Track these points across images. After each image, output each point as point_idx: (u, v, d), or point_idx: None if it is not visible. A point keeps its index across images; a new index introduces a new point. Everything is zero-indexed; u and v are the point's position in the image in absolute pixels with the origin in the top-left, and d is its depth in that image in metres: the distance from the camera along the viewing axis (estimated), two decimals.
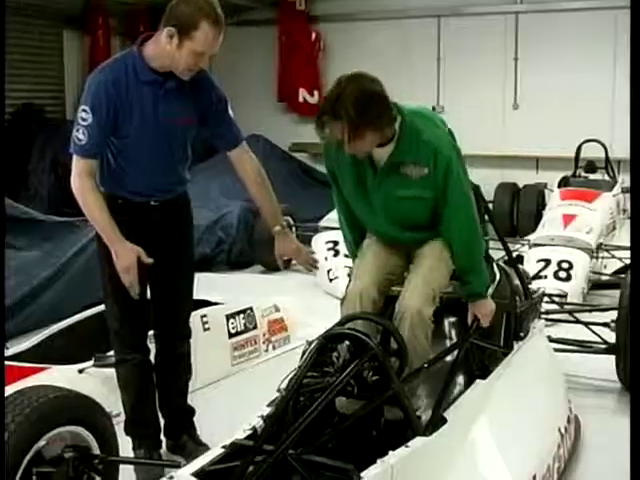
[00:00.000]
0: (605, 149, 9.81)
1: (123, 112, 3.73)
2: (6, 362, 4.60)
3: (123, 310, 4.01)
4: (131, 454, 4.09)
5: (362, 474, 2.82)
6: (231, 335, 5.83)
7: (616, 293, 5.58)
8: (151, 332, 4.23)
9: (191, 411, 4.40)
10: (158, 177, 3.94)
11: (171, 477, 2.80)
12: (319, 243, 8.60)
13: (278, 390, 3.28)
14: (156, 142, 3.84)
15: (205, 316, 5.54)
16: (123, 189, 3.92)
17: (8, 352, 5.02)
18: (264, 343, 6.14)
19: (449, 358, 3.72)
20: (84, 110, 3.69)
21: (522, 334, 4.28)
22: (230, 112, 4.01)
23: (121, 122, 3.75)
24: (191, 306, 4.37)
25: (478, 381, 3.69)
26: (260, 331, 6.11)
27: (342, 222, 4.01)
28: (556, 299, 6.63)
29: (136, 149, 3.83)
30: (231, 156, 4.07)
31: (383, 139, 3.49)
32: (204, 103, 3.91)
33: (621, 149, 9.40)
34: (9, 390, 3.23)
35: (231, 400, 5.11)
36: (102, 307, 5.30)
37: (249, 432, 3.16)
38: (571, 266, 7.33)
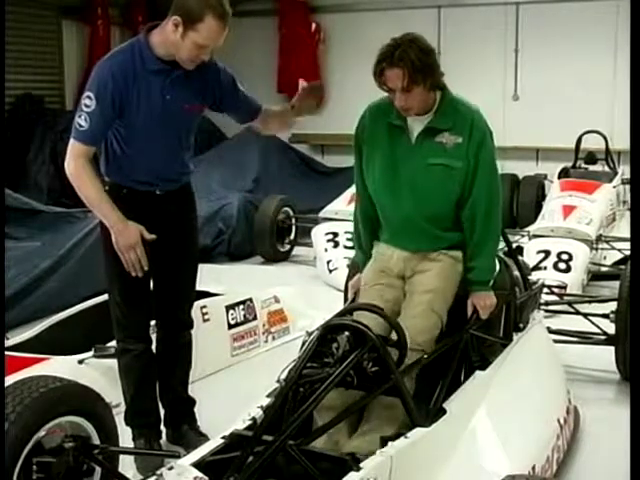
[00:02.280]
0: (605, 140, 9.78)
1: (129, 100, 3.75)
2: (6, 352, 4.60)
3: (127, 299, 4.02)
4: (131, 444, 4.10)
5: (361, 465, 2.83)
6: (231, 326, 5.83)
7: (616, 284, 5.58)
8: (153, 322, 4.24)
9: (191, 401, 4.41)
10: (164, 165, 3.96)
11: (171, 467, 2.81)
12: (319, 234, 8.59)
13: (278, 381, 3.28)
14: (163, 130, 3.86)
15: (205, 307, 5.54)
16: (128, 178, 3.93)
17: (8, 342, 5.02)
18: (264, 334, 6.14)
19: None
20: (88, 97, 3.71)
21: (521, 325, 4.27)
22: (240, 87, 4.09)
23: (127, 110, 3.77)
24: (194, 296, 4.38)
25: (477, 372, 3.69)
26: (260, 322, 6.11)
27: (358, 199, 3.97)
28: (556, 290, 6.63)
29: (143, 137, 3.85)
30: (254, 124, 4.24)
31: (426, 104, 3.56)
32: (214, 88, 3.96)
33: (621, 140, 9.37)
34: (9, 380, 3.23)
35: (231, 391, 5.11)
36: (102, 298, 5.35)
37: (249, 423, 3.17)
38: (571, 257, 7.33)
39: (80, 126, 3.71)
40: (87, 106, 3.70)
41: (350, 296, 3.97)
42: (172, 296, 4.21)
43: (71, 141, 3.77)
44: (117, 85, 3.71)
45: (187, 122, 3.96)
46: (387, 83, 3.49)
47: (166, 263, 4.07)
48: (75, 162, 3.74)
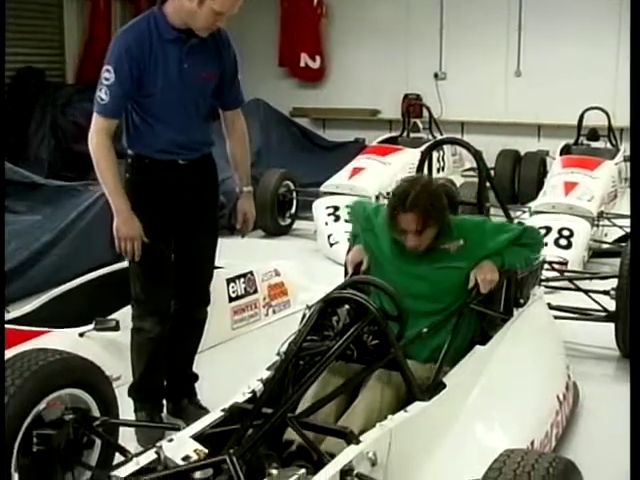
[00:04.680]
0: (608, 117, 9.74)
1: (148, 71, 3.77)
2: (7, 326, 4.61)
3: (150, 272, 4.00)
4: (131, 417, 4.11)
5: (361, 438, 2.84)
6: (231, 299, 5.84)
7: (616, 261, 5.58)
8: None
9: (194, 377, 4.42)
10: (184, 134, 3.96)
11: (171, 439, 2.82)
12: (319, 208, 8.59)
13: (278, 354, 3.30)
14: (181, 98, 3.88)
15: None
16: (150, 148, 3.94)
17: (9, 316, 5.03)
18: (264, 307, 6.15)
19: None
20: (107, 70, 3.72)
21: (522, 301, 4.27)
22: (239, 75, 4.10)
23: (146, 81, 3.78)
24: (212, 271, 4.35)
25: (477, 347, 3.70)
26: (260, 295, 6.12)
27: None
28: (556, 266, 6.63)
29: (162, 106, 3.87)
30: (227, 114, 4.18)
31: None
32: (224, 61, 3.98)
33: (624, 117, 9.22)
34: (10, 353, 3.24)
35: (231, 364, 5.12)
36: (103, 271, 5.37)
37: (249, 396, 3.19)
38: (572, 234, 7.33)
39: (101, 99, 3.74)
40: (107, 79, 3.72)
41: (350, 270, 3.96)
42: (191, 270, 4.19)
43: (94, 115, 3.80)
44: (134, 57, 3.72)
45: (204, 90, 3.96)
46: (400, 225, 3.61)
47: (186, 235, 4.08)
48: (97, 137, 3.77)
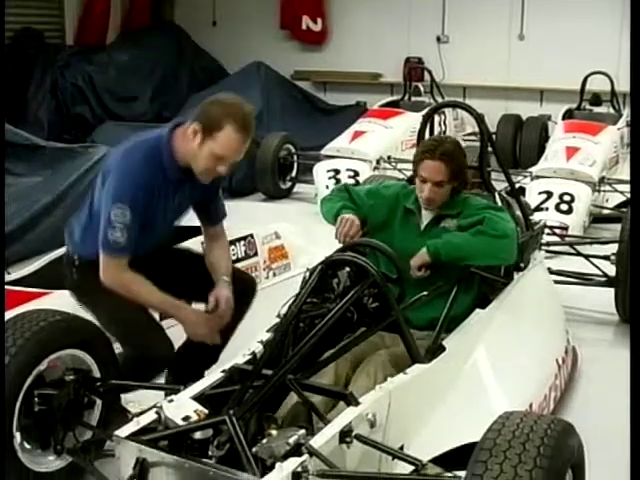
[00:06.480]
0: (611, 82, 9.69)
1: (151, 209, 3.55)
2: (7, 287, 4.61)
3: (146, 327, 3.73)
4: None
5: (360, 400, 2.85)
6: (232, 262, 5.83)
7: (617, 227, 5.58)
8: None
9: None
10: (147, 252, 3.73)
11: (171, 400, 2.83)
12: (320, 171, 8.59)
13: (278, 316, 3.30)
14: (157, 227, 3.70)
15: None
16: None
17: (9, 277, 5.04)
18: (264, 270, 6.15)
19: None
20: (120, 208, 3.43)
21: (522, 265, 4.28)
22: (220, 190, 3.94)
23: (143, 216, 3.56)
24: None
25: (477, 310, 3.70)
26: (261, 258, 6.13)
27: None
28: (557, 231, 6.64)
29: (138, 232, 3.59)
30: (210, 229, 3.96)
31: (444, 201, 3.72)
32: (207, 193, 3.80)
33: (627, 82, 9.22)
34: (11, 314, 3.24)
35: None
36: None
37: (249, 357, 3.20)
38: (573, 199, 7.33)
39: (118, 242, 3.45)
40: (122, 218, 3.43)
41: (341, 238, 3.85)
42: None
43: (108, 258, 3.50)
44: (146, 197, 3.48)
45: (179, 216, 3.83)
46: (424, 173, 3.66)
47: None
48: (123, 276, 3.52)
